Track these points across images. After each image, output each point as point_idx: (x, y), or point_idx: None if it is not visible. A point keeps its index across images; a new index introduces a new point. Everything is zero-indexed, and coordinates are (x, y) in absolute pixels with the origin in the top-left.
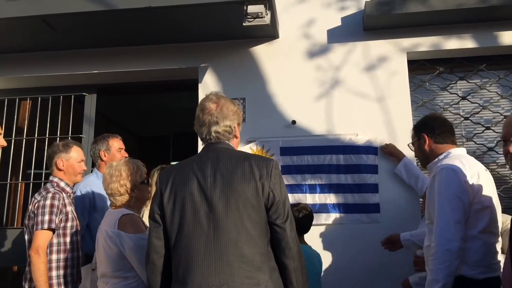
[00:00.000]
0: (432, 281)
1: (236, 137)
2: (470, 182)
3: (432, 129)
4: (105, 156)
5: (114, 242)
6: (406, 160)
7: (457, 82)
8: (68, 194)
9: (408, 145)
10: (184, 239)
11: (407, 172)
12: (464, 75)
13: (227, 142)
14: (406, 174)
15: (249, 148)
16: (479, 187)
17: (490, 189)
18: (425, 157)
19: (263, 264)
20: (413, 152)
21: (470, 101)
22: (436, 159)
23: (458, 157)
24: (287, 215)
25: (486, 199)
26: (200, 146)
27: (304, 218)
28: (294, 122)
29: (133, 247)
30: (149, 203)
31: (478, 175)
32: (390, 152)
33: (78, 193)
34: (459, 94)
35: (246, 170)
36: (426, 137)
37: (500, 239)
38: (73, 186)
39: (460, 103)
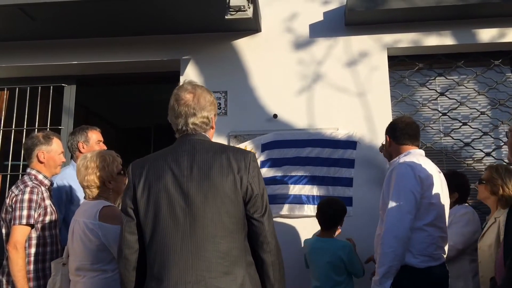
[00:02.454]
0: (379, 264)
1: (212, 128)
2: (423, 179)
3: (394, 132)
4: (83, 148)
5: (95, 234)
6: None
7: (436, 78)
8: (47, 187)
9: (379, 148)
10: (159, 234)
11: None
12: (442, 72)
13: (203, 133)
14: None
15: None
16: (430, 184)
17: (439, 188)
18: (389, 155)
19: (241, 259)
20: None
21: (448, 97)
22: (397, 157)
23: (416, 156)
24: (265, 208)
25: (435, 196)
26: None
27: (319, 211)
28: (275, 116)
29: (117, 238)
30: None
31: (432, 174)
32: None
33: (55, 186)
34: (438, 90)
35: (224, 163)
36: (388, 138)
37: (443, 233)
38: (51, 177)
39: (438, 99)
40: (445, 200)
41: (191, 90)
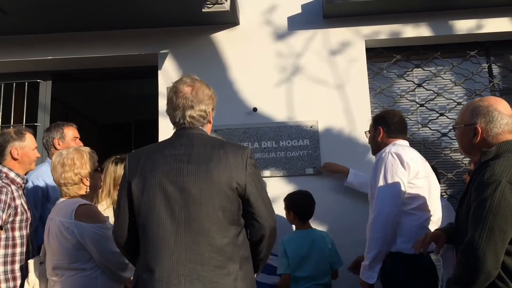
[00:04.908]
0: (368, 249)
1: (210, 122)
2: (409, 167)
3: (388, 125)
4: (59, 144)
5: (71, 233)
6: (353, 172)
7: (413, 70)
8: (19, 185)
9: (365, 132)
10: (153, 227)
11: (359, 181)
12: (420, 63)
13: (201, 127)
14: (358, 184)
15: None
16: (417, 171)
17: (425, 174)
18: (376, 146)
19: (234, 254)
20: (367, 139)
21: (425, 88)
22: (384, 148)
23: (401, 146)
24: (263, 204)
25: (422, 181)
26: (162, 133)
27: (307, 204)
28: (255, 109)
29: (94, 237)
30: (101, 196)
31: (416, 161)
32: (333, 170)
33: (30, 184)
34: (415, 82)
35: (222, 158)
36: (381, 130)
37: (433, 217)
38: (26, 174)
39: (416, 90)
40: (434, 185)
41: (190, 83)
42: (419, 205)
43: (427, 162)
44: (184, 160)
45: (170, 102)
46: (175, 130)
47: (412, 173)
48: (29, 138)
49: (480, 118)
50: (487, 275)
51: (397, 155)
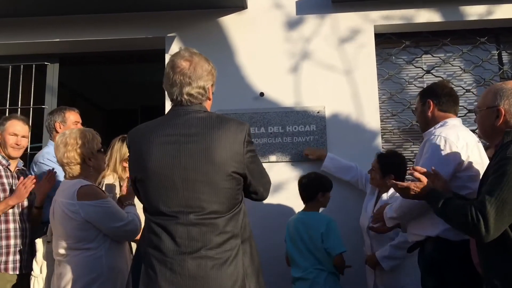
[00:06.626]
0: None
1: (209, 99)
2: (459, 154)
3: (438, 97)
4: (60, 128)
5: (76, 214)
6: (330, 156)
7: (422, 56)
8: (4, 166)
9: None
10: (154, 206)
11: (334, 166)
12: (429, 49)
13: (199, 104)
14: (333, 169)
15: None
16: (468, 159)
17: (478, 159)
18: (426, 122)
19: (236, 233)
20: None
21: (434, 75)
22: (433, 127)
23: (453, 127)
24: (261, 181)
25: (473, 170)
26: None
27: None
28: (262, 94)
29: (99, 213)
30: (107, 173)
31: (468, 146)
32: (313, 156)
33: (40, 163)
34: (424, 68)
35: (221, 135)
36: (431, 103)
37: None
38: (13, 159)
39: (424, 76)
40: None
41: (188, 57)
42: (470, 193)
43: (480, 143)
44: (182, 141)
45: (167, 77)
46: (171, 107)
47: (462, 161)
48: (11, 124)
49: (504, 100)
50: (483, 240)
51: (445, 141)
